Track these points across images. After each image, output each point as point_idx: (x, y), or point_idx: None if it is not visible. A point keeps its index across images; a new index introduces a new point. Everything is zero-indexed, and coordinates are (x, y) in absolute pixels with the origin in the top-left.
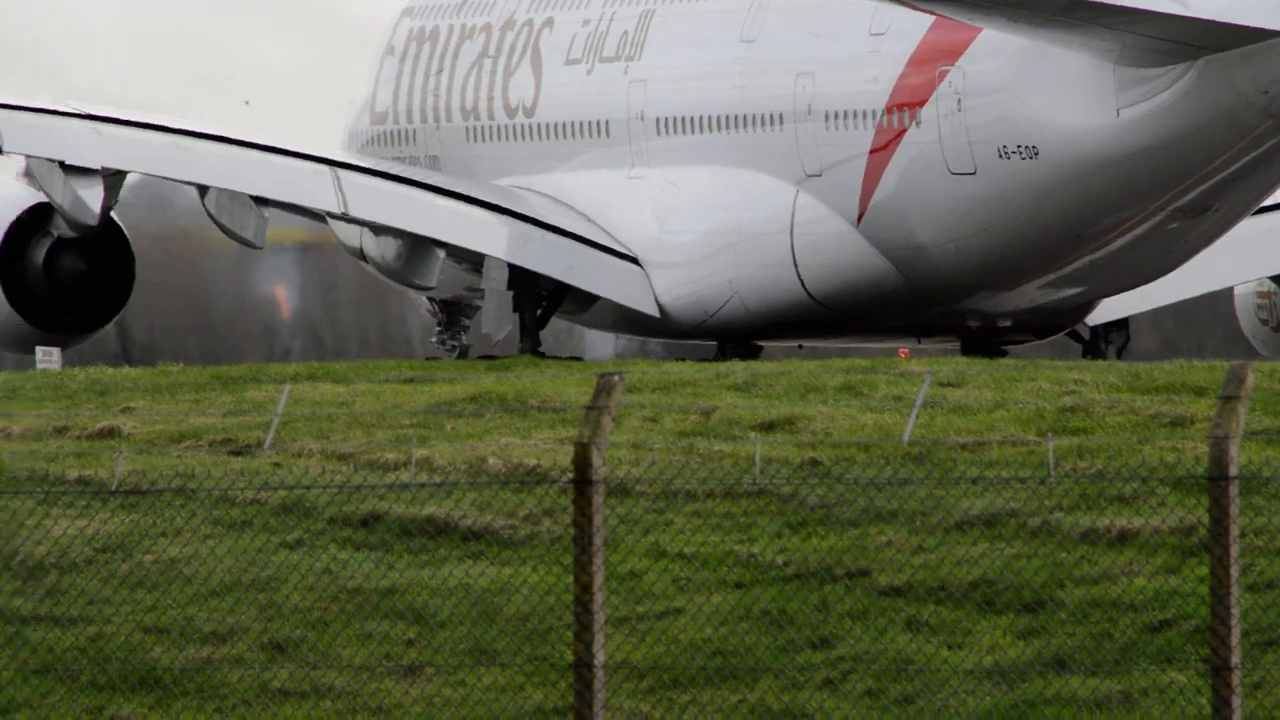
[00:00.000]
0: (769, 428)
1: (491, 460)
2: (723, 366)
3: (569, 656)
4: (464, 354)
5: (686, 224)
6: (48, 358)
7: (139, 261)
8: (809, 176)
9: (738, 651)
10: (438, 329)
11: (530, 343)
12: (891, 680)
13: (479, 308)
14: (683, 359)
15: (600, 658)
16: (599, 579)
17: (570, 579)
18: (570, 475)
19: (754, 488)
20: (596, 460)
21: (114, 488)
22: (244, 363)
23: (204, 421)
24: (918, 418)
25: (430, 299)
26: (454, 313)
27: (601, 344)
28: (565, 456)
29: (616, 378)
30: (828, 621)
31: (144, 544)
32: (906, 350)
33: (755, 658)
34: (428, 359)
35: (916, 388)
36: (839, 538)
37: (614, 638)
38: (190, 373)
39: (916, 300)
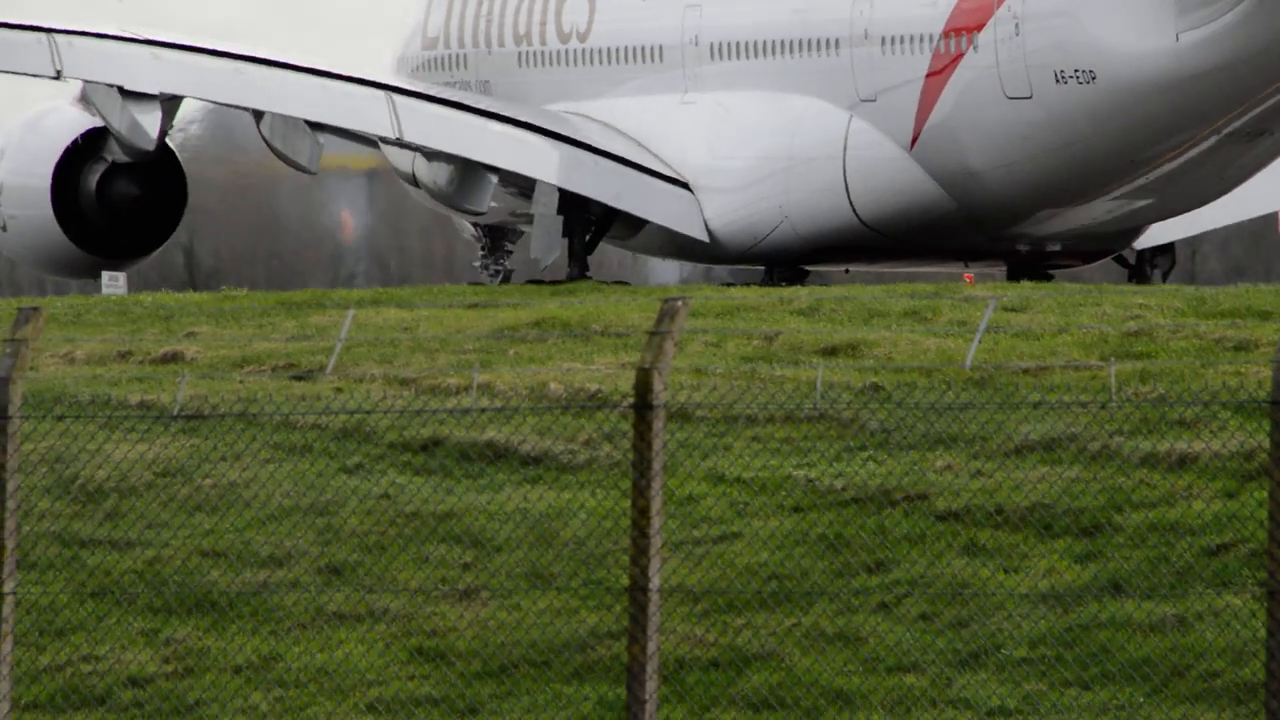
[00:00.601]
0: (831, 353)
1: (553, 385)
2: (786, 291)
3: (624, 580)
4: (507, 279)
5: (738, 149)
6: (113, 282)
7: (206, 187)
8: (862, 101)
9: (793, 576)
10: (481, 254)
11: (579, 268)
12: (947, 604)
13: (522, 233)
14: (747, 284)
15: (656, 582)
16: (656, 503)
17: (628, 504)
18: (631, 400)
19: (814, 412)
20: (658, 385)
21: (175, 412)
22: (308, 288)
23: (267, 346)
24: (981, 342)
25: (474, 224)
26: (497, 238)
27: (664, 270)
28: (626, 381)
29: (680, 303)
30: (884, 546)
31: (204, 468)
32: (971, 275)
33: (811, 582)
34: (471, 284)
35: (980, 313)
36: (898, 462)
37: (670, 562)
38: (254, 297)
39: (967, 225)
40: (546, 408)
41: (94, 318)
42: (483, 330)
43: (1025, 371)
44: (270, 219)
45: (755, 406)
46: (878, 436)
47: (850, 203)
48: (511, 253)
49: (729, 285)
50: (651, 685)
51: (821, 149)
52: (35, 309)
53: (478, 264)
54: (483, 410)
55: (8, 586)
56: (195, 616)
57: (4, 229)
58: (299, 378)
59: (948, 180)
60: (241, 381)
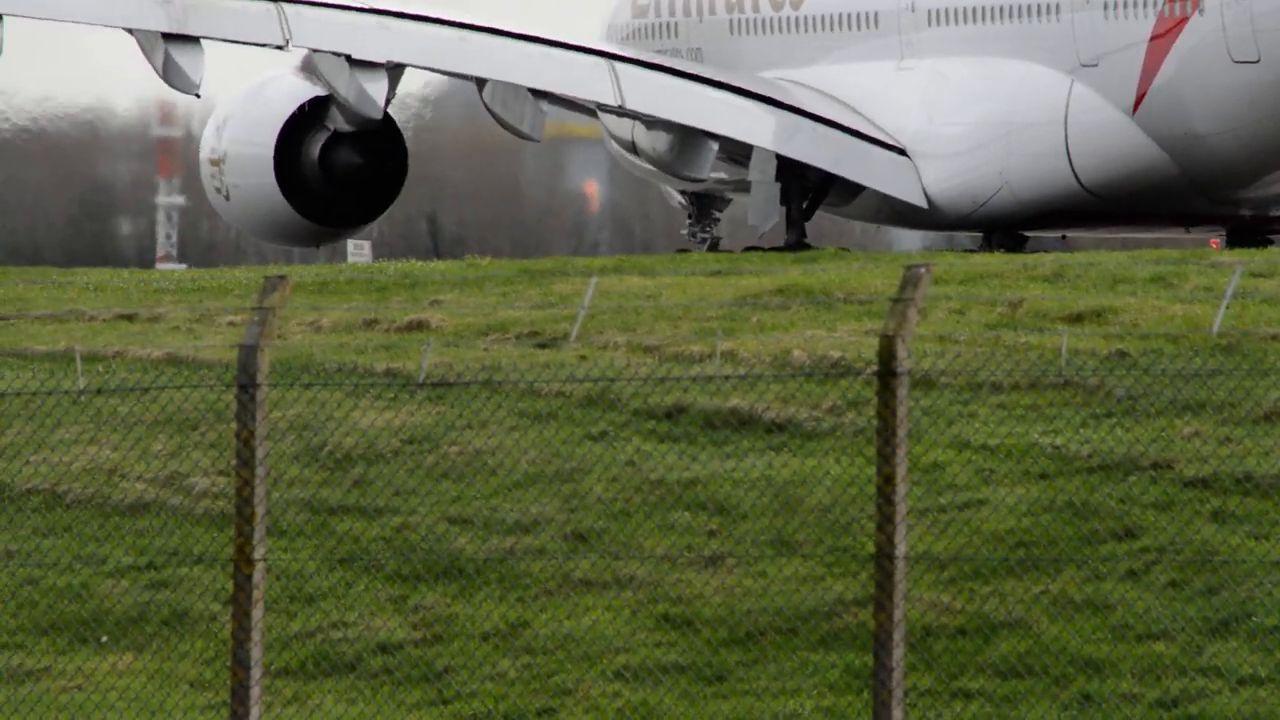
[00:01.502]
0: (1076, 319)
1: (796, 352)
2: (1030, 258)
3: (870, 548)
4: (714, 246)
5: (956, 115)
6: (359, 251)
7: (450, 156)
8: (1083, 66)
9: (1040, 543)
10: (688, 221)
11: (796, 235)
12: (1196, 572)
13: (729, 200)
14: (993, 250)
15: (902, 549)
16: (901, 470)
17: (872, 470)
18: (874, 367)
19: (1059, 379)
20: (901, 352)
21: (421, 380)
22: (551, 256)
23: (511, 314)
24: (1228, 308)
25: (681, 191)
26: (705, 205)
27: (907, 239)
28: (870, 349)
29: (923, 270)
30: (1131, 513)
31: (450, 435)
32: (1218, 240)
33: (1058, 549)
34: (678, 251)
35: (1227, 278)
36: (1144, 429)
37: (915, 529)
38: (498, 266)
39: (1190, 190)
40: (790, 375)
41: (340, 286)
42: (725, 298)
43: (1273, 337)
44: (513, 187)
45: (1000, 373)
46: (1124, 403)
47: (1072, 168)
48: (719, 220)
49: (972, 251)
50: (898, 653)
51: (1042, 114)
52: (282, 277)
53: (685, 231)
54: (726, 377)
55: (258, 553)
56: (443, 583)
57: (227, 198)
58: (543, 345)
59: (1171, 145)
60: (486, 349)
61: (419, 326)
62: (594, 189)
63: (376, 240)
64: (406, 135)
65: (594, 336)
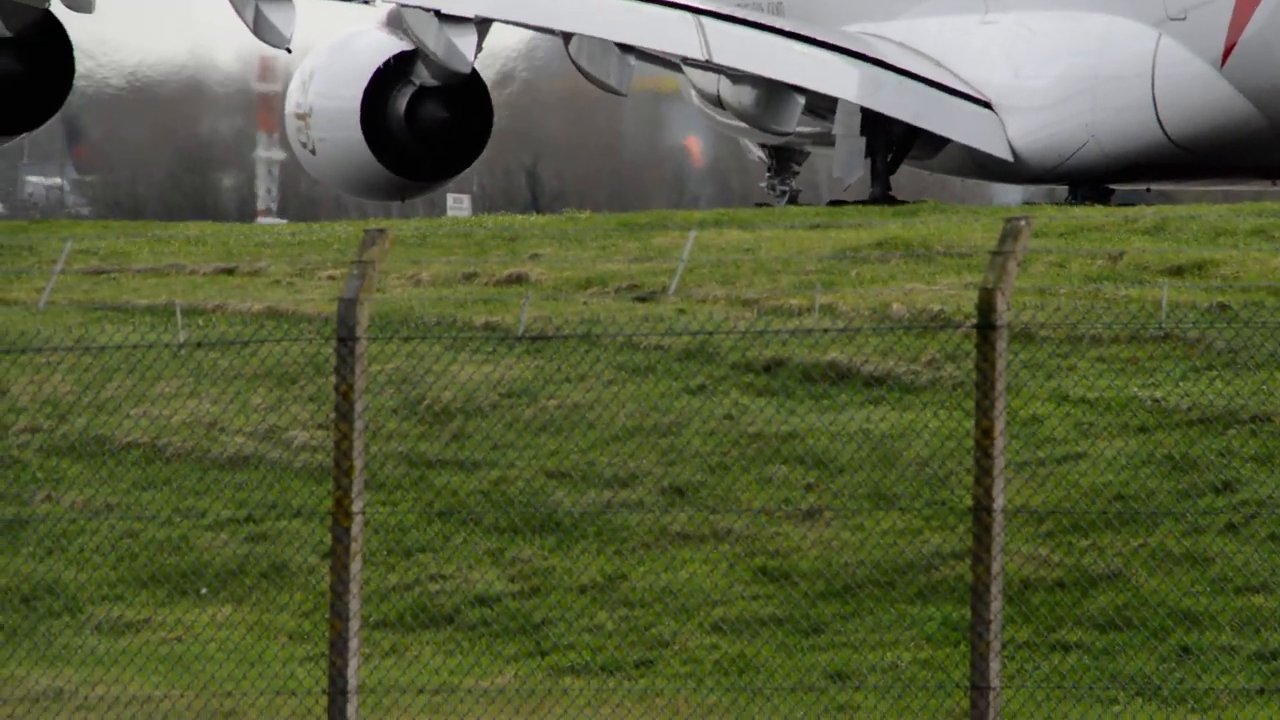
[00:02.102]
0: (1177, 272)
1: (895, 305)
2: (1130, 211)
3: (967, 501)
4: (793, 199)
5: (1042, 68)
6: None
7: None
8: (1171, 19)
9: (1139, 496)
10: (767, 174)
11: (881, 188)
12: None
13: (808, 154)
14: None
15: (1000, 502)
16: (1000, 424)
17: (971, 424)
18: (974, 320)
19: (1159, 332)
20: (1001, 305)
21: (520, 333)
22: (650, 209)
23: (610, 268)
24: None
25: (761, 145)
26: (784, 159)
27: (1010, 193)
28: (969, 302)
29: (1023, 222)
30: (1231, 466)
31: (548, 389)
32: None
33: (1156, 502)
34: (756, 205)
35: None
36: (1244, 382)
37: (1014, 482)
38: (597, 219)
39: (1278, 142)
40: (889, 328)
41: (439, 240)
42: (824, 251)
43: None
44: (613, 141)
45: (1100, 326)
46: (1224, 356)
47: (1159, 121)
48: (798, 173)
49: (1073, 204)
50: (996, 605)
51: (1129, 67)
52: (381, 231)
53: (764, 184)
54: (825, 331)
55: (356, 506)
56: (540, 536)
57: (313, 152)
58: (642, 299)
59: (1260, 97)
60: (585, 303)
61: (518, 280)
62: (695, 143)
63: (476, 194)
64: (509, 90)
65: (693, 290)
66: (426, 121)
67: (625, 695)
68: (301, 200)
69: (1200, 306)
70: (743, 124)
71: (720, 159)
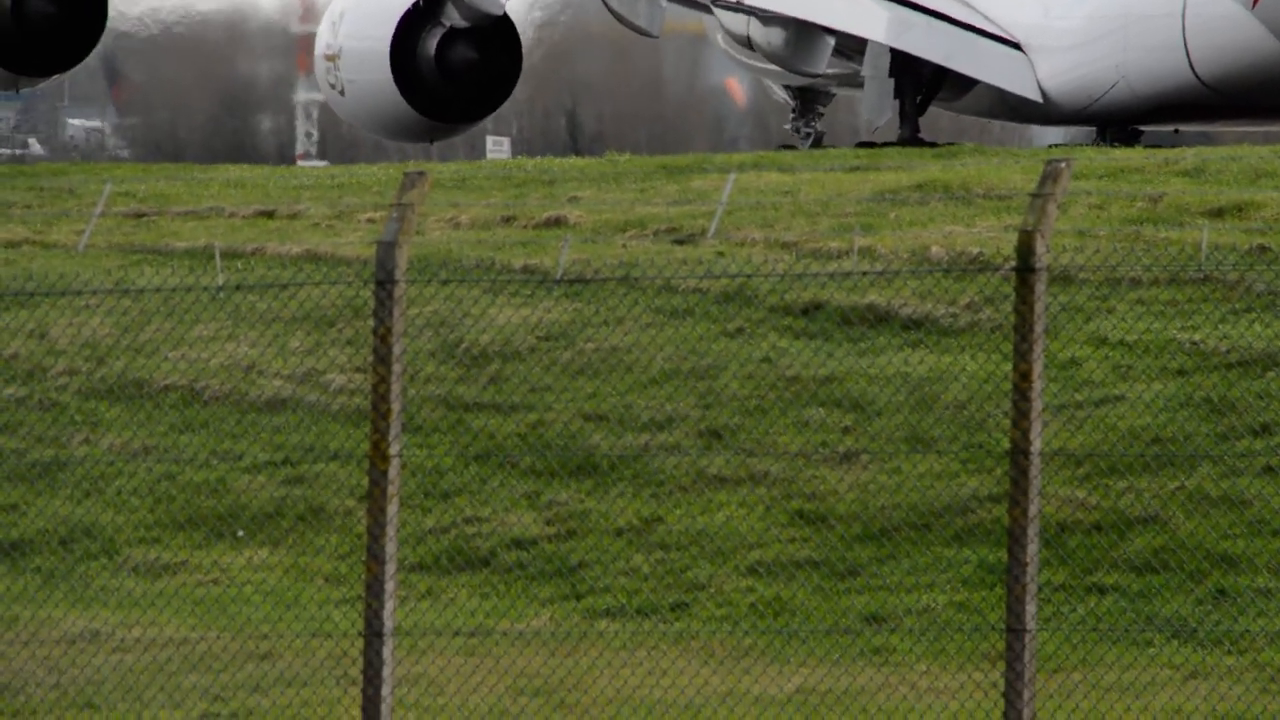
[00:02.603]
0: (1217, 214)
1: (934, 248)
2: (1171, 153)
3: (1005, 444)
4: (818, 141)
5: (1072, 8)
6: (498, 147)
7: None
8: None
9: (1177, 439)
10: (792, 116)
11: (910, 129)
12: None
13: (833, 95)
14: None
15: (1037, 445)
16: (1038, 367)
17: (1009, 367)
18: (1013, 263)
19: (1199, 274)
20: (1040, 248)
21: (559, 276)
22: (690, 152)
23: (649, 210)
24: None
25: (786, 86)
26: (808, 100)
27: (1045, 133)
28: (1008, 244)
29: (1063, 164)
30: (1270, 408)
31: (586, 332)
32: None
33: (1194, 445)
34: (781, 147)
35: None
36: None
37: (1051, 425)
38: (636, 162)
39: None
40: (928, 271)
41: (478, 182)
42: (863, 194)
43: None
44: (653, 83)
45: (1139, 269)
46: (1264, 298)
47: (1189, 61)
48: (823, 115)
49: (1113, 145)
50: (1033, 548)
51: (1160, 7)
52: (421, 173)
53: (789, 126)
54: (864, 273)
55: (394, 449)
56: (577, 479)
57: (342, 93)
58: (680, 242)
59: None
60: (624, 245)
61: (557, 223)
62: (735, 85)
63: (515, 137)
64: (550, 32)
65: (732, 233)
66: (456, 63)
67: (661, 638)
68: (341, 143)
69: (1240, 249)
70: (770, 65)
71: (760, 100)
